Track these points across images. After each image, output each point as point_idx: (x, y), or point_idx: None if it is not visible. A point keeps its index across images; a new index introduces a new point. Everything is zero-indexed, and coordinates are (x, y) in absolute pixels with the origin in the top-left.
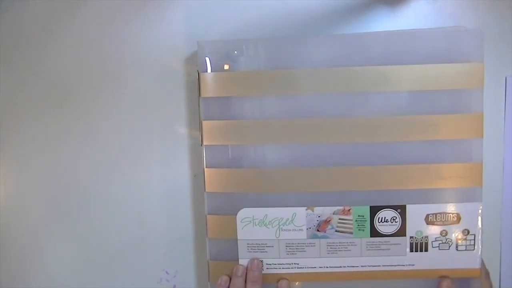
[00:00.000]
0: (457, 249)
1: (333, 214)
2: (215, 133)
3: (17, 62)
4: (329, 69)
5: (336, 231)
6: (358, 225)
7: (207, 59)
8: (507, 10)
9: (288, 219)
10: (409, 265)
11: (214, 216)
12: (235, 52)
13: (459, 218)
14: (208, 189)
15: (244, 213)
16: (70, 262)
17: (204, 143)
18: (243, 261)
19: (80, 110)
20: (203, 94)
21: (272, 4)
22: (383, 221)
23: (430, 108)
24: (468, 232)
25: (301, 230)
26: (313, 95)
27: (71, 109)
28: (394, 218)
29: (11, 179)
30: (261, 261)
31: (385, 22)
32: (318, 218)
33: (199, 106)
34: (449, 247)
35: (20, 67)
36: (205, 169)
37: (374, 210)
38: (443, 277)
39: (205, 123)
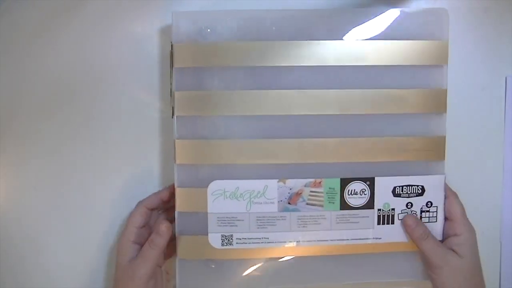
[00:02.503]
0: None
1: (305, 186)
2: (187, 104)
3: (17, 62)
4: (299, 42)
5: (307, 203)
6: (329, 198)
7: (181, 30)
8: (507, 11)
9: (260, 191)
10: (376, 238)
11: (184, 189)
12: (208, 30)
13: (423, 191)
14: (178, 160)
15: (215, 186)
16: (70, 262)
17: (176, 114)
18: (212, 236)
19: (80, 110)
20: (175, 65)
21: (271, 4)
22: (352, 193)
23: (397, 83)
24: (431, 204)
25: (272, 203)
26: (284, 68)
27: (71, 109)
28: (363, 190)
29: (11, 179)
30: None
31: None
32: (289, 191)
33: (171, 77)
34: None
35: (20, 67)
36: (176, 140)
37: (344, 183)
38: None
39: (177, 94)
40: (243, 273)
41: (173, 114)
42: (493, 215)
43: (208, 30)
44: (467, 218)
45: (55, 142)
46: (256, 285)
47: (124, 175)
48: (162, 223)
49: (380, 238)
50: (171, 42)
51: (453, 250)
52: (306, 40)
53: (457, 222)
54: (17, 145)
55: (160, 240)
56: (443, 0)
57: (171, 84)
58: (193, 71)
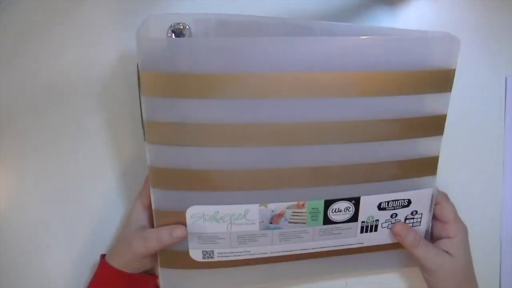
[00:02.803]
0: None
1: (287, 208)
2: (159, 133)
3: (17, 62)
4: (282, 73)
5: (289, 222)
6: (312, 216)
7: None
8: (507, 11)
9: (241, 214)
10: (358, 244)
11: (162, 211)
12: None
13: (409, 203)
14: (154, 186)
15: (193, 210)
16: (70, 262)
17: (148, 141)
18: (193, 252)
19: (80, 110)
20: (143, 94)
21: (272, 4)
22: (336, 211)
23: (392, 110)
24: (416, 212)
25: (253, 223)
26: (262, 100)
27: (71, 109)
28: (348, 208)
29: (11, 179)
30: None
31: (385, 22)
32: (271, 213)
33: (140, 104)
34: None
35: (20, 67)
36: (150, 167)
37: (328, 203)
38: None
39: (148, 124)
40: (225, 274)
41: (144, 138)
42: (493, 215)
43: (187, 26)
44: (459, 218)
45: (55, 142)
46: (240, 282)
47: (125, 175)
48: (179, 228)
49: (362, 243)
50: (137, 67)
51: (446, 252)
52: (290, 71)
53: (450, 224)
54: (17, 145)
55: (168, 240)
56: (443, 0)
57: (140, 108)
58: (163, 100)
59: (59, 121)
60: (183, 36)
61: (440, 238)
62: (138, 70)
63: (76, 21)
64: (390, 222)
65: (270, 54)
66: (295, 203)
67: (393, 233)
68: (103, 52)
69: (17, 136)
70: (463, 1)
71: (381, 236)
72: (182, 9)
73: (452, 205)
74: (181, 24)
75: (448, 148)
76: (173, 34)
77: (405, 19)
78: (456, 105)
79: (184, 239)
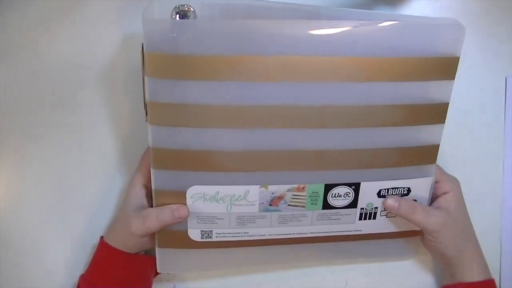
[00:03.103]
0: None
1: (287, 191)
2: (161, 115)
3: (17, 62)
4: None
5: (288, 205)
6: (311, 200)
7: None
8: (507, 11)
9: (241, 195)
10: (356, 230)
11: (161, 191)
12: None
13: (409, 191)
14: (155, 166)
15: (193, 190)
16: (70, 261)
17: (150, 123)
18: (192, 231)
19: (80, 110)
20: (147, 75)
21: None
22: (336, 196)
23: (394, 97)
24: (416, 200)
25: (253, 205)
26: (265, 83)
27: (71, 109)
28: (348, 193)
29: (11, 179)
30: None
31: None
32: (271, 195)
33: (143, 85)
34: (396, 215)
35: (20, 67)
36: (152, 148)
37: (328, 187)
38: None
39: (150, 104)
40: (223, 253)
41: (146, 117)
42: (493, 215)
43: (192, 9)
44: (447, 174)
45: (55, 142)
46: (237, 263)
47: (125, 175)
48: (182, 207)
49: (360, 231)
50: (142, 48)
51: (444, 207)
52: (297, 54)
53: (442, 181)
54: (17, 145)
55: (170, 220)
56: (444, 0)
57: (143, 88)
58: (167, 82)
59: (58, 121)
60: (188, 18)
61: (436, 197)
62: (142, 51)
63: (75, 20)
64: (389, 211)
65: (274, 37)
66: (296, 186)
67: (386, 208)
68: (104, 45)
69: (17, 136)
70: (463, 1)
71: (379, 225)
72: None
73: (437, 165)
74: (186, 6)
75: (448, 148)
76: (177, 16)
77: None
78: (456, 105)
79: (186, 218)
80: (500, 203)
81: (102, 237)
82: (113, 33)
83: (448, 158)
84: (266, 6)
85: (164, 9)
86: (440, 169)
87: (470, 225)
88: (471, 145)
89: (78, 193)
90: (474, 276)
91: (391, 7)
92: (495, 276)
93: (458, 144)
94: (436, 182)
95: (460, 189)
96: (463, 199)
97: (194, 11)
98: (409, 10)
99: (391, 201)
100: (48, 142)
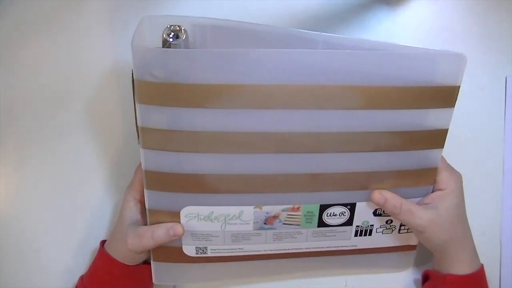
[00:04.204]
0: (399, 233)
1: (282, 211)
2: (154, 140)
3: (17, 62)
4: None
5: (283, 224)
6: (306, 219)
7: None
8: (507, 11)
9: (235, 215)
10: (352, 246)
11: (155, 211)
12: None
13: None
14: (148, 187)
15: (188, 210)
16: (70, 262)
17: (142, 147)
18: (187, 247)
19: (80, 110)
20: (139, 101)
21: (273, 4)
22: (331, 215)
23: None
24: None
25: (247, 224)
26: (255, 110)
27: (71, 109)
28: (343, 212)
29: (11, 179)
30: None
31: (385, 23)
32: (266, 215)
33: (135, 108)
34: (392, 231)
35: (20, 68)
36: (145, 170)
37: (323, 207)
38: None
39: (142, 129)
40: (219, 266)
41: (138, 139)
42: (493, 215)
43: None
44: (450, 167)
45: (54, 142)
46: (233, 276)
47: (125, 175)
48: (177, 226)
49: (356, 246)
50: (132, 74)
51: (433, 206)
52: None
53: (441, 177)
54: (17, 145)
55: (164, 239)
56: (443, 0)
57: (135, 112)
58: (158, 109)
59: (58, 121)
60: (179, 39)
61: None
62: (132, 76)
63: (73, 22)
64: (385, 228)
65: (267, 66)
66: (290, 206)
67: (372, 201)
68: (99, 53)
69: (17, 136)
70: (463, 1)
71: (375, 240)
72: (179, 10)
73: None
74: (177, 26)
75: (448, 148)
76: (169, 36)
77: (405, 20)
78: (456, 105)
79: (181, 236)
80: (500, 203)
81: (102, 242)
82: (113, 35)
83: (448, 158)
84: (256, 30)
85: (155, 28)
86: (444, 163)
87: (465, 222)
88: (471, 145)
89: (78, 195)
90: (463, 269)
91: (391, 7)
92: (495, 276)
93: (458, 144)
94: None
95: (460, 186)
96: (461, 196)
97: (185, 31)
98: (410, 10)
99: (376, 198)
100: (47, 144)
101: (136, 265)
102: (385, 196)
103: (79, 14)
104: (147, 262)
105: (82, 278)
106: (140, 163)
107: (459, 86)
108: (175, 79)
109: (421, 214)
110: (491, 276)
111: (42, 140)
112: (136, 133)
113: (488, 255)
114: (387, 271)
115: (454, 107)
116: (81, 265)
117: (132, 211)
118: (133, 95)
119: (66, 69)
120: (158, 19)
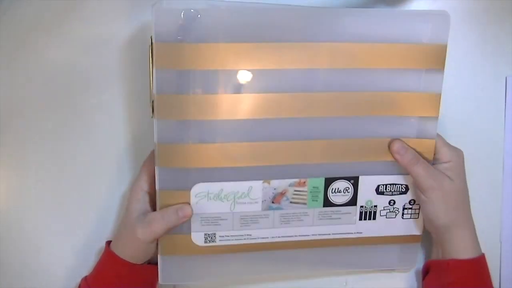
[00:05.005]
0: (402, 217)
1: (289, 186)
2: (168, 108)
3: (17, 62)
4: (290, 44)
5: (290, 202)
6: (312, 196)
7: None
8: (507, 11)
9: (244, 192)
10: (357, 233)
11: (166, 191)
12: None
13: (407, 189)
14: (160, 163)
15: (198, 188)
16: (70, 262)
17: (156, 117)
18: (195, 235)
19: (80, 110)
20: (156, 66)
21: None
22: (336, 191)
23: (390, 85)
24: (414, 202)
25: (256, 202)
26: (271, 70)
27: (71, 109)
28: (347, 188)
29: (11, 179)
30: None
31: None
32: (273, 191)
33: (150, 81)
34: (396, 215)
35: (20, 67)
36: (157, 144)
37: (328, 182)
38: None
39: (158, 97)
40: (225, 261)
41: (152, 114)
42: (493, 215)
43: (199, 15)
44: (449, 144)
45: (54, 142)
46: (240, 272)
47: (126, 175)
48: (185, 206)
49: (361, 233)
50: (151, 39)
51: (443, 174)
52: (298, 41)
53: (442, 152)
54: (17, 145)
55: (175, 220)
56: (443, 0)
57: (150, 83)
58: (175, 73)
59: (58, 121)
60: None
61: (437, 163)
62: (151, 45)
63: (73, 23)
64: (388, 211)
65: (280, 25)
66: (297, 180)
67: (391, 150)
68: (100, 54)
69: (17, 136)
70: (463, 1)
71: (380, 226)
72: None
73: (438, 135)
74: (192, 10)
75: None
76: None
77: None
78: (456, 105)
79: (190, 218)
80: (500, 203)
81: (108, 243)
82: (114, 34)
83: None
84: (271, 8)
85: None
86: (442, 141)
87: (466, 197)
88: (471, 145)
89: (81, 195)
90: (466, 252)
91: (391, 7)
92: (495, 276)
93: (458, 144)
94: (435, 153)
95: (463, 160)
96: (463, 171)
97: (200, 17)
98: (408, 11)
99: (397, 147)
100: (49, 144)
101: (142, 264)
102: (407, 147)
103: (83, 7)
104: (151, 264)
105: (86, 279)
106: (146, 159)
107: (446, 45)
108: (192, 40)
109: (436, 172)
110: (491, 275)
111: (42, 140)
112: (150, 109)
113: (488, 255)
114: (392, 269)
115: (443, 69)
116: (83, 266)
117: (140, 203)
118: (149, 67)
119: (66, 69)
120: (173, 3)
